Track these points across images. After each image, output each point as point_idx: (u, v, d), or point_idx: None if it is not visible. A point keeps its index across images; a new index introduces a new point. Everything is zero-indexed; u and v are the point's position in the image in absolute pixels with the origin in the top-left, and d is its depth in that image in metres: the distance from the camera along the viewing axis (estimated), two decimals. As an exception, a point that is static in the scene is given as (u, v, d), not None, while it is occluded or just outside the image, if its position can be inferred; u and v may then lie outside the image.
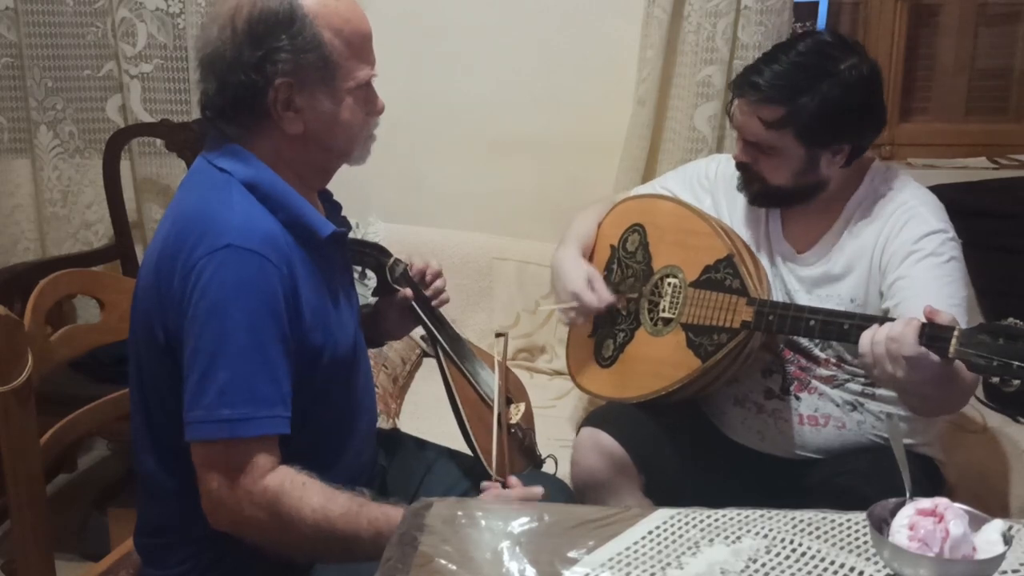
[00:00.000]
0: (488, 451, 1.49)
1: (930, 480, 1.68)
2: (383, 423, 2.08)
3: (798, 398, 1.73)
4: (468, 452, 1.54)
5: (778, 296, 1.73)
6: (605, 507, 1.31)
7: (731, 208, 1.83)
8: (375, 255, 1.53)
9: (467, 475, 1.56)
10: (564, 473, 1.74)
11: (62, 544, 1.99)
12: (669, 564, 1.04)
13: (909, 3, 2.72)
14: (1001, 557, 0.97)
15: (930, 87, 2.84)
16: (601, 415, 1.80)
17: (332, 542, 1.21)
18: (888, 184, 1.70)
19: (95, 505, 2.48)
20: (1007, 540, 0.98)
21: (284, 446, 1.24)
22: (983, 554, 0.97)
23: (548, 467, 1.70)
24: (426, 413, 2.20)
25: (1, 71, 2.70)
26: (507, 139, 2.72)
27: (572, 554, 1.04)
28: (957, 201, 1.81)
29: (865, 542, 1.07)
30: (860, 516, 1.09)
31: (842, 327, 1.51)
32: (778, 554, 1.05)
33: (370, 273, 1.56)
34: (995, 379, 1.28)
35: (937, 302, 1.41)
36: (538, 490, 1.37)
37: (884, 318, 1.46)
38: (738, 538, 1.08)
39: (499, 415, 1.49)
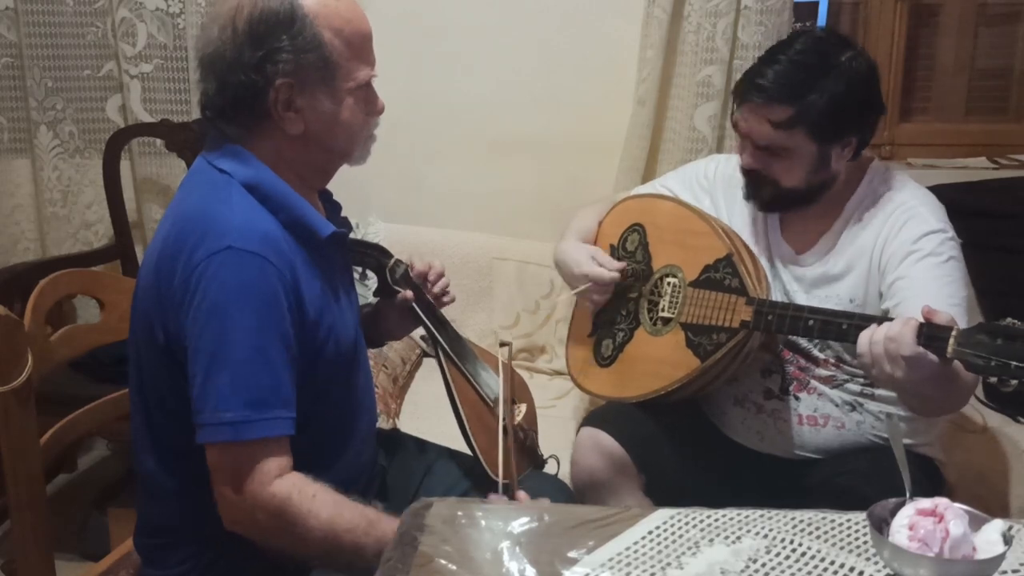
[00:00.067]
0: (486, 451, 1.49)
1: (930, 480, 1.68)
2: (383, 423, 2.08)
3: (797, 398, 1.73)
4: (468, 452, 1.54)
5: (777, 296, 1.73)
6: (605, 507, 1.31)
7: (730, 208, 1.83)
8: (376, 256, 1.53)
9: (467, 475, 1.56)
10: (564, 473, 1.74)
11: (62, 544, 1.99)
12: (669, 564, 1.04)
13: (909, 3, 2.72)
14: (1001, 557, 0.97)
15: (930, 87, 2.84)
16: (601, 415, 1.81)
17: (338, 555, 1.22)
18: (887, 184, 1.70)
19: (95, 505, 2.48)
20: (1007, 540, 0.98)
21: (285, 447, 1.24)
22: (983, 554, 0.97)
23: (550, 467, 1.70)
24: (426, 413, 2.20)
25: (1, 71, 2.71)
26: (507, 139, 2.72)
27: (572, 554, 1.04)
28: (957, 201, 1.81)
29: (865, 542, 1.07)
30: (860, 516, 1.10)
31: (841, 327, 1.51)
32: (778, 554, 1.05)
33: (371, 274, 1.55)
34: (993, 379, 1.28)
35: (936, 302, 1.41)
36: (544, 503, 1.37)
37: (883, 318, 1.46)
38: (738, 538, 1.08)
39: (504, 426, 1.49)
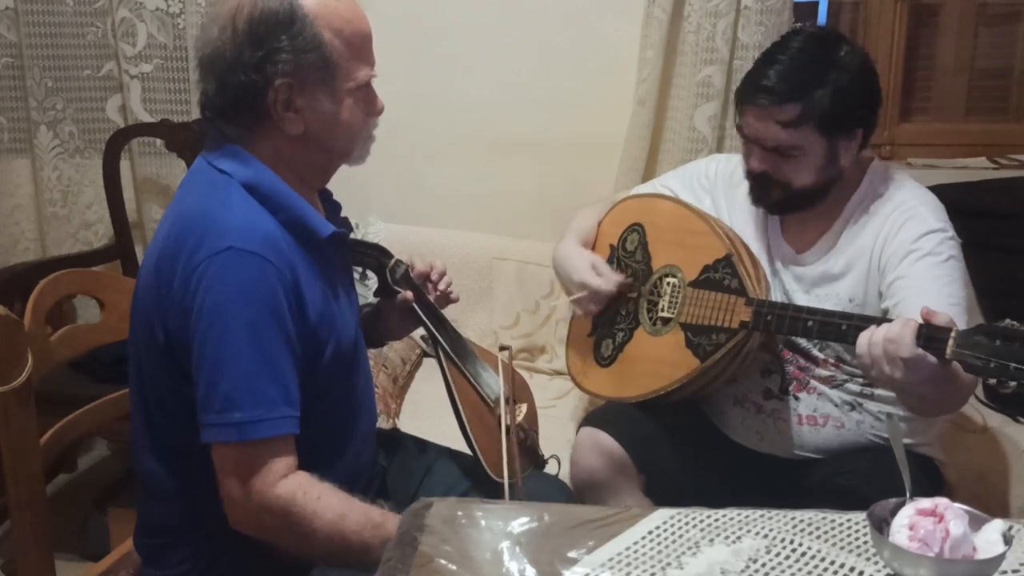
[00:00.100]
0: (487, 451, 1.49)
1: (930, 480, 1.68)
2: (383, 423, 2.08)
3: (797, 398, 1.73)
4: (468, 452, 1.54)
5: (777, 296, 1.73)
6: (605, 507, 1.31)
7: (731, 208, 1.83)
8: (376, 256, 1.53)
9: (467, 475, 1.56)
10: (564, 473, 1.74)
11: (62, 544, 1.99)
12: (669, 564, 1.04)
13: (909, 3, 2.72)
14: (1001, 557, 0.97)
15: (930, 87, 2.84)
16: (601, 415, 1.80)
17: (346, 554, 1.22)
18: (887, 184, 1.70)
19: (95, 505, 2.48)
20: (1007, 540, 0.98)
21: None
22: (983, 554, 0.97)
23: (551, 467, 1.70)
24: (426, 413, 2.20)
25: (1, 71, 2.71)
26: (507, 139, 2.72)
27: (572, 554, 1.05)
28: (957, 201, 1.81)
29: (865, 542, 1.07)
30: (860, 516, 1.10)
31: (840, 328, 1.51)
32: (778, 554, 1.05)
33: (371, 274, 1.55)
34: (992, 381, 1.28)
35: (936, 302, 1.41)
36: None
37: (882, 319, 1.46)
38: (738, 538, 1.08)
39: (507, 427, 1.49)
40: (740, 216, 1.81)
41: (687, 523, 1.11)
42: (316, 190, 1.41)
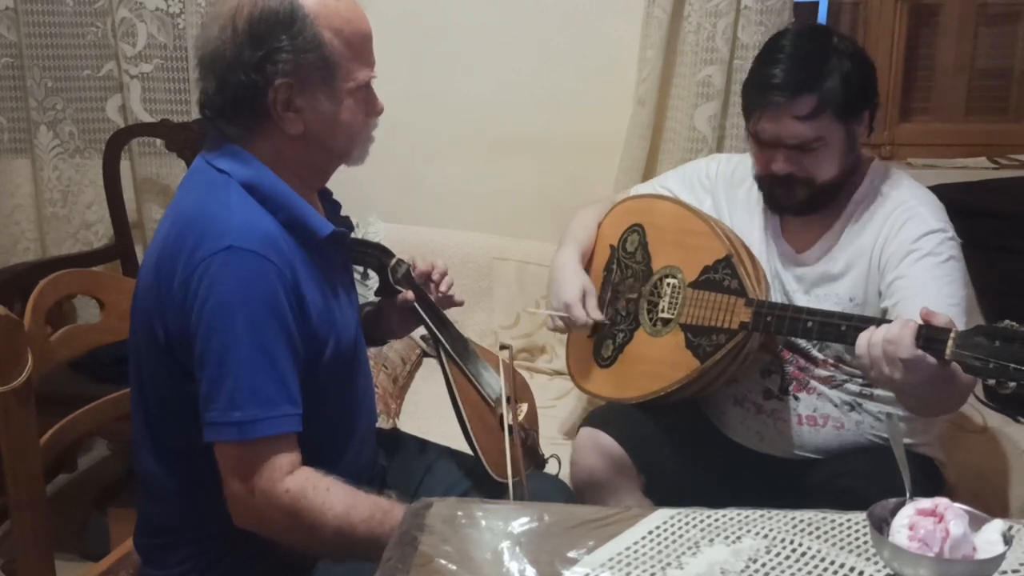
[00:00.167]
0: (487, 450, 1.49)
1: (930, 480, 1.68)
2: (383, 423, 2.08)
3: (797, 398, 1.73)
4: (468, 452, 1.54)
5: (776, 295, 1.73)
6: (605, 507, 1.31)
7: (731, 208, 1.83)
8: (377, 256, 1.53)
9: (467, 475, 1.56)
10: (564, 473, 1.74)
11: (62, 544, 1.99)
12: (669, 564, 1.04)
13: (909, 3, 2.72)
14: (1001, 557, 0.97)
15: (930, 87, 2.84)
16: (601, 415, 1.80)
17: (354, 546, 1.22)
18: (887, 184, 1.70)
19: (95, 505, 2.48)
20: (1007, 540, 0.98)
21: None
22: (983, 554, 0.97)
23: (551, 467, 1.70)
24: (426, 413, 2.20)
25: (1, 71, 2.71)
26: (507, 139, 2.72)
27: (572, 554, 1.05)
28: (957, 201, 1.81)
29: (865, 542, 1.07)
30: (860, 516, 1.10)
31: (839, 329, 1.51)
32: (778, 554, 1.05)
33: (372, 274, 1.55)
34: (991, 381, 1.28)
35: (936, 302, 1.41)
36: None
37: (882, 320, 1.46)
38: (738, 538, 1.08)
39: (509, 426, 1.48)
40: (740, 216, 1.81)
41: (687, 523, 1.11)
42: (315, 190, 1.41)
